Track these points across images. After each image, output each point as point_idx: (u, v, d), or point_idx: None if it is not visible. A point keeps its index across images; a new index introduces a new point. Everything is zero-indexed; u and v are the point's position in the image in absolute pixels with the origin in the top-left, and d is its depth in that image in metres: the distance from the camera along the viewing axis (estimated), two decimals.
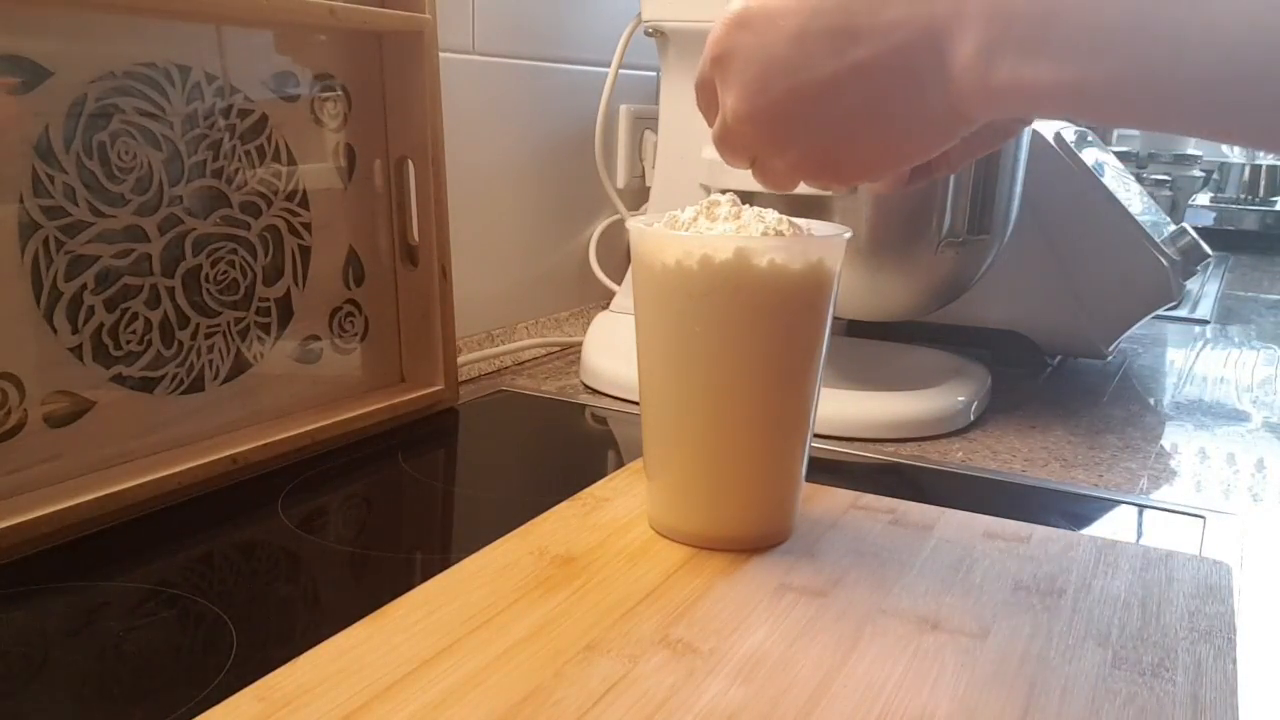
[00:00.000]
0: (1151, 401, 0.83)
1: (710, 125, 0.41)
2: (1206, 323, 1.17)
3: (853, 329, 0.86)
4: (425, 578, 0.43)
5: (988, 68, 0.31)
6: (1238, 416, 0.80)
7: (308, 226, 0.63)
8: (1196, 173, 1.75)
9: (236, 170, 0.58)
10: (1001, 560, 0.47)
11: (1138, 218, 0.83)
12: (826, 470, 0.62)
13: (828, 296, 0.46)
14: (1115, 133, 1.68)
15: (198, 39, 0.55)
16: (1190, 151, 1.77)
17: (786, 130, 0.37)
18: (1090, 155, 0.85)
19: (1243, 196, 1.96)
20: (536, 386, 0.81)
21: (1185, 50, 0.27)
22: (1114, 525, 0.57)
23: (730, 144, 0.40)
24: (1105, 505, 0.60)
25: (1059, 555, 0.48)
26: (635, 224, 0.47)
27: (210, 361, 0.57)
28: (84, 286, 0.51)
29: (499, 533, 0.48)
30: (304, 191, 0.62)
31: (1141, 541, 0.53)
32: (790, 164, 0.39)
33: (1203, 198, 1.91)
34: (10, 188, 0.48)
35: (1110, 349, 0.88)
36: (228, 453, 0.55)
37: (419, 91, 0.66)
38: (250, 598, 0.45)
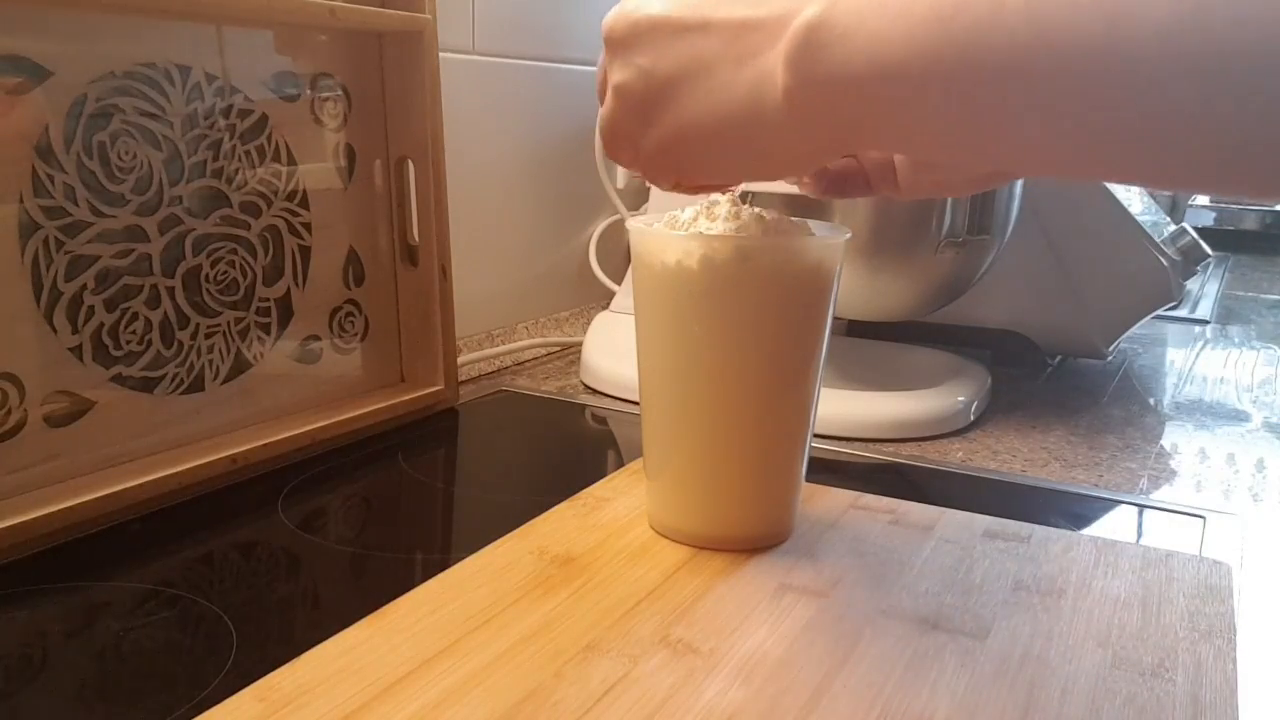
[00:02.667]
0: (1151, 401, 0.83)
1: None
2: (1206, 323, 1.17)
3: (853, 329, 0.86)
4: (425, 578, 0.43)
5: (804, 55, 0.30)
6: (1238, 416, 0.80)
7: (308, 226, 0.63)
8: None
9: (236, 170, 0.58)
10: (1001, 560, 0.47)
11: (1138, 218, 0.83)
12: (826, 470, 0.62)
13: (828, 296, 0.46)
14: None
15: (198, 39, 0.55)
16: None
17: (647, 107, 0.36)
18: None
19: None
20: (536, 386, 0.81)
21: (1002, 14, 0.25)
22: (1114, 525, 0.57)
23: (609, 125, 0.38)
24: (1105, 505, 0.60)
25: (1059, 555, 0.48)
26: (635, 224, 0.47)
27: (210, 361, 0.57)
28: (84, 286, 0.51)
29: (499, 533, 0.48)
30: (304, 191, 0.62)
31: (1141, 541, 0.53)
32: (652, 145, 0.37)
33: (1203, 198, 1.91)
34: (10, 188, 0.48)
35: (1110, 349, 0.88)
36: (228, 453, 0.55)
37: (419, 91, 0.66)
38: (250, 598, 0.45)
